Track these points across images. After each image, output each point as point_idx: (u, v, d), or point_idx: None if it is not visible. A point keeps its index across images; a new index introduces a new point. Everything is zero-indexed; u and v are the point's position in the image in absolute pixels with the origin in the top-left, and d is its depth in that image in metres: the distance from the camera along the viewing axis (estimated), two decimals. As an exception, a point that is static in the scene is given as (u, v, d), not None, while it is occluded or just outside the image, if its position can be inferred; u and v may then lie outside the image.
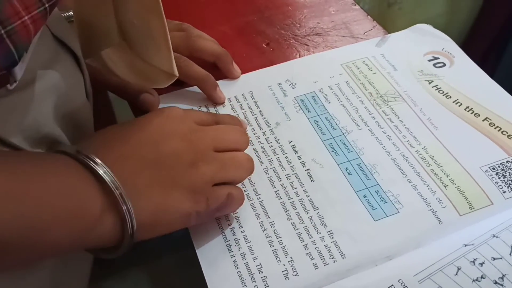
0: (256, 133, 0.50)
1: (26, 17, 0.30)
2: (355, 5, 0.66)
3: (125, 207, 0.34)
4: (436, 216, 0.42)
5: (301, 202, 0.44)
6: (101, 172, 0.34)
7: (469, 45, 1.19)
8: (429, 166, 0.46)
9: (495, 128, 0.49)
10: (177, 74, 0.43)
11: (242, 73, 0.56)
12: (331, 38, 0.61)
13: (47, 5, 0.31)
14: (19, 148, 0.35)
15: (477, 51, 1.19)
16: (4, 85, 0.33)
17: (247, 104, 0.53)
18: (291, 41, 0.61)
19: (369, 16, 0.64)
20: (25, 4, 0.29)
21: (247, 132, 0.50)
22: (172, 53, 0.42)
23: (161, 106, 0.52)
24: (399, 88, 0.54)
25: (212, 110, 0.52)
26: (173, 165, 0.38)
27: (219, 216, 0.43)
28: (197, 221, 0.40)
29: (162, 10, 0.39)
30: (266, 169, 0.47)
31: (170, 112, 0.41)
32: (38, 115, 0.37)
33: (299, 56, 0.59)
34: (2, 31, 0.28)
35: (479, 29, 1.19)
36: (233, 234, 0.42)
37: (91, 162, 0.34)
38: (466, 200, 0.43)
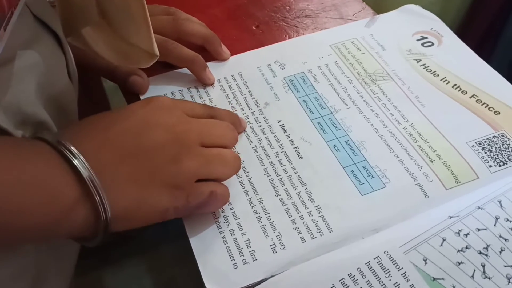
0: (245, 113, 0.50)
1: None
2: (345, -13, 0.66)
3: (98, 199, 0.33)
4: (423, 190, 0.43)
5: (289, 178, 0.45)
6: (75, 162, 0.33)
7: (464, 32, 1.19)
8: (416, 142, 0.47)
9: (482, 105, 0.49)
10: (157, 53, 0.44)
11: (231, 55, 0.56)
12: (320, 20, 0.61)
13: None
14: (2, 128, 0.35)
15: (472, 38, 1.19)
16: None
17: (237, 84, 0.53)
18: (281, 23, 0.61)
19: (358, -2, 0.64)
20: None
21: (241, 120, 0.49)
22: (152, 33, 0.42)
23: (150, 88, 0.53)
24: (387, 68, 0.54)
25: (202, 91, 0.53)
26: (153, 158, 0.37)
27: (199, 213, 0.42)
28: (175, 216, 0.39)
29: None
30: (255, 147, 0.47)
31: (157, 102, 0.40)
32: (19, 93, 0.36)
33: (289, 38, 0.59)
34: None
35: (474, 15, 1.19)
36: (222, 212, 0.43)
37: (67, 152, 0.33)
38: (452, 174, 0.44)
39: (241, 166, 0.46)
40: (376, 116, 0.49)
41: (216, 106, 0.51)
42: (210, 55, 0.55)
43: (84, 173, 0.33)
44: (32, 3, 0.40)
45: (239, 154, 0.46)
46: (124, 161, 0.36)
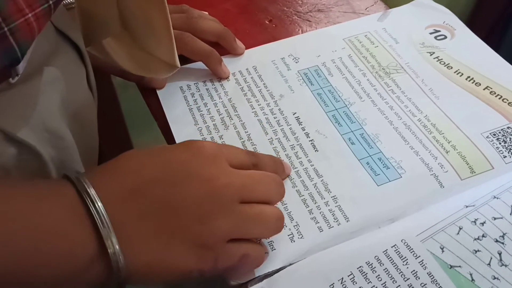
0: (260, 105, 0.51)
1: (29, 15, 0.29)
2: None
3: (114, 259, 0.31)
4: (438, 181, 0.43)
5: (306, 170, 0.45)
6: (96, 218, 0.31)
7: (472, 23, 1.19)
8: (431, 134, 0.47)
9: (495, 96, 0.50)
10: (178, 65, 0.44)
11: (245, 49, 0.57)
12: (333, 14, 0.62)
13: (51, 2, 0.31)
14: (26, 143, 0.35)
15: (481, 29, 1.19)
16: (6, 79, 0.33)
17: (251, 78, 0.54)
18: (294, 18, 0.61)
19: (370, -8, 0.64)
20: (28, 1, 0.29)
21: (282, 162, 0.45)
22: (174, 44, 0.43)
23: (167, 85, 0.53)
24: (400, 60, 0.54)
25: (218, 84, 0.53)
26: (184, 213, 0.33)
27: (228, 277, 0.38)
28: (200, 277, 0.35)
29: (166, 2, 0.40)
30: (271, 139, 0.48)
31: (201, 149, 0.36)
32: (42, 108, 0.36)
33: (302, 32, 0.59)
34: (5, 29, 0.28)
35: (483, 6, 1.19)
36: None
37: (90, 204, 0.31)
38: (467, 164, 0.44)
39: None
40: (391, 109, 0.50)
41: (231, 99, 0.51)
42: (224, 50, 0.56)
43: (103, 231, 0.31)
44: (54, 15, 0.40)
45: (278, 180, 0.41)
46: (151, 214, 0.33)
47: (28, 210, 0.30)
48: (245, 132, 0.49)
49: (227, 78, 0.54)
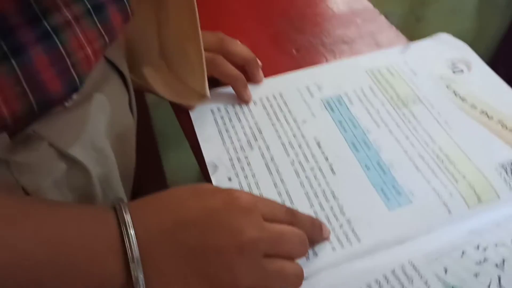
0: (284, 129, 0.55)
1: (88, 50, 0.34)
2: (381, 15, 0.70)
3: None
4: (447, 208, 0.46)
5: (323, 192, 0.49)
6: (128, 246, 0.34)
7: (496, 61, 1.21)
8: (443, 163, 0.50)
9: (507, 130, 0.52)
10: (208, 95, 0.48)
11: (272, 75, 0.61)
12: (357, 46, 0.65)
13: (106, 39, 0.35)
14: (76, 160, 0.39)
15: (504, 67, 1.21)
16: (62, 103, 0.38)
17: (277, 103, 0.58)
18: (319, 48, 0.65)
19: (393, 27, 0.68)
20: (88, 38, 0.34)
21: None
22: (206, 76, 0.47)
23: (199, 107, 0.57)
24: (418, 92, 0.58)
25: (246, 108, 0.57)
26: (212, 260, 0.36)
27: None
28: None
29: (200, 37, 0.45)
30: (293, 161, 0.52)
31: (238, 200, 0.38)
32: (91, 129, 0.41)
33: (326, 62, 0.63)
34: (68, 63, 0.33)
35: (507, 45, 1.21)
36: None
37: (125, 233, 0.34)
38: (475, 194, 0.47)
39: (279, 178, 0.50)
40: (406, 138, 0.53)
41: (257, 123, 0.56)
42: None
43: (132, 266, 0.34)
44: None
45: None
46: (181, 255, 0.35)
47: (71, 235, 0.33)
48: (269, 154, 0.53)
49: (249, 102, 0.58)
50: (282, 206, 0.43)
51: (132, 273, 0.34)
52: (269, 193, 0.49)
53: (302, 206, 0.48)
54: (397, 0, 1.43)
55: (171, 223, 0.36)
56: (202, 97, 0.48)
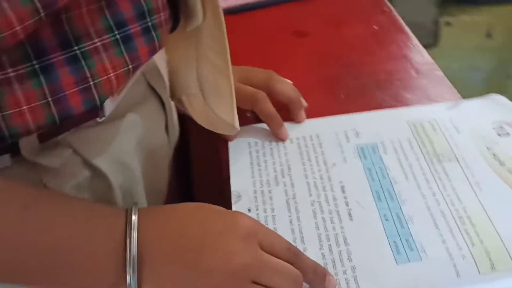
0: (312, 169, 0.56)
1: (111, 74, 0.38)
2: (438, 71, 0.70)
3: None
4: (456, 270, 0.45)
5: (335, 236, 0.49)
6: (128, 250, 0.37)
7: None
8: (463, 225, 0.49)
9: (540, 201, 0.50)
10: (238, 127, 0.52)
11: (316, 117, 0.63)
12: (407, 97, 0.65)
13: (130, 67, 0.40)
14: (98, 169, 0.43)
15: None
16: (94, 118, 0.43)
17: (312, 144, 0.59)
18: (368, 95, 0.66)
19: (449, 82, 0.67)
20: (113, 64, 0.38)
21: None
22: (235, 108, 0.51)
23: (238, 138, 0.60)
24: (456, 150, 0.57)
25: (281, 145, 0.59)
26: (202, 276, 0.38)
27: None
28: None
29: (231, 73, 0.49)
30: (313, 201, 0.53)
31: (237, 224, 0.41)
32: (118, 145, 0.46)
33: (372, 110, 0.64)
34: (91, 83, 0.37)
35: None
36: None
37: (128, 237, 0.37)
38: (489, 260, 0.45)
39: (296, 216, 0.52)
40: (433, 195, 0.52)
41: (288, 160, 0.57)
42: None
43: (129, 269, 0.37)
44: (147, 72, 0.50)
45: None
46: (174, 268, 0.38)
47: (76, 227, 0.37)
48: (292, 191, 0.54)
49: (284, 141, 0.59)
50: (285, 242, 0.44)
51: (127, 273, 0.37)
52: (284, 229, 0.50)
53: (312, 246, 0.49)
54: (487, 56, 1.39)
55: (173, 235, 0.39)
56: (233, 128, 0.51)
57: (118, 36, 0.38)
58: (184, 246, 0.39)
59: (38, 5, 0.32)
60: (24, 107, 0.35)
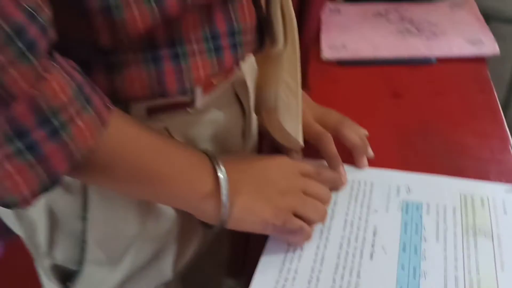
0: (355, 209, 0.63)
1: (201, 72, 0.49)
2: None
3: (224, 198, 0.51)
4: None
5: (351, 268, 0.55)
6: (219, 172, 0.51)
7: None
8: (470, 292, 0.52)
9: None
10: (301, 143, 0.60)
11: (378, 167, 0.69)
12: (472, 170, 0.69)
13: (217, 70, 0.51)
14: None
15: None
16: (185, 107, 0.54)
17: (364, 189, 0.66)
18: (436, 159, 0.70)
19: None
20: (204, 64, 0.49)
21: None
22: (301, 126, 0.59)
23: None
24: (495, 229, 0.59)
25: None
26: (271, 186, 0.55)
27: (288, 241, 0.58)
28: (272, 232, 0.56)
29: (300, 93, 0.57)
30: (344, 236, 0.59)
31: (286, 160, 0.60)
32: (197, 133, 0.57)
33: (431, 173, 0.68)
34: (184, 74, 0.48)
35: None
36: (290, 263, 0.56)
37: (216, 164, 0.52)
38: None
39: (325, 243, 0.58)
40: (455, 260, 0.56)
41: (337, 196, 0.64)
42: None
43: (221, 179, 0.51)
44: (235, 82, 0.61)
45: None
46: (251, 182, 0.54)
47: (176, 154, 0.51)
48: (329, 222, 0.61)
49: (342, 184, 0.66)
50: (311, 167, 0.62)
51: (221, 185, 0.51)
52: (309, 248, 0.57)
53: (328, 270, 0.55)
54: None
55: (246, 165, 0.56)
56: (298, 144, 0.61)
57: (211, 46, 0.49)
58: (257, 171, 0.56)
59: (156, 10, 0.43)
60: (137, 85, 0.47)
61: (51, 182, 0.39)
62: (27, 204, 0.38)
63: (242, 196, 0.53)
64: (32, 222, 0.55)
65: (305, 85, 0.86)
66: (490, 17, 1.10)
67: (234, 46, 0.51)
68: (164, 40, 0.47)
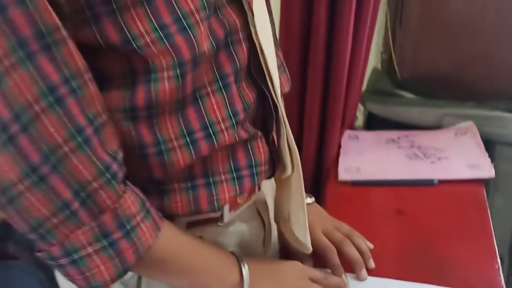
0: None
1: (227, 196, 0.66)
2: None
3: None
4: None
5: None
6: (243, 269, 0.66)
7: None
8: None
9: None
10: (310, 247, 0.75)
11: (377, 276, 0.81)
12: (461, 282, 0.80)
13: (238, 191, 0.68)
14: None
15: None
16: (215, 222, 0.69)
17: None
18: (429, 272, 0.82)
19: None
20: (229, 190, 0.66)
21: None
22: (308, 235, 0.74)
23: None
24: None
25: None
26: (284, 285, 0.69)
27: None
28: None
29: (305, 208, 0.73)
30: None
31: (298, 265, 0.74)
32: (226, 241, 0.72)
33: (425, 283, 0.80)
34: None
35: None
36: None
37: (242, 263, 0.66)
38: None
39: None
40: None
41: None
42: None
43: (245, 275, 0.65)
44: (257, 201, 0.77)
45: None
46: (268, 280, 0.68)
47: (213, 263, 0.66)
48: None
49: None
50: (320, 275, 0.76)
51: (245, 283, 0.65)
52: None
53: None
54: None
55: (266, 273, 0.70)
56: (307, 249, 0.75)
57: (235, 176, 0.65)
58: (271, 277, 0.70)
59: (193, 153, 0.60)
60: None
61: (124, 271, 0.55)
62: (107, 287, 0.55)
63: None
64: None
65: (323, 202, 1.02)
66: (494, 142, 1.24)
67: (252, 175, 0.68)
68: (200, 173, 0.64)
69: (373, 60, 1.49)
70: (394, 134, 1.25)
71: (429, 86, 1.38)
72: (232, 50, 0.61)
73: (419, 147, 1.17)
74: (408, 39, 1.48)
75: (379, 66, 1.52)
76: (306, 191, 0.76)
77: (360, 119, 1.38)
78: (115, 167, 0.54)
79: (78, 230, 0.52)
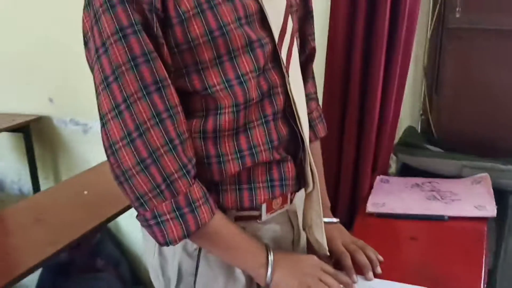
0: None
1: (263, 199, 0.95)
2: None
3: (269, 269, 0.90)
4: None
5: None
6: (270, 255, 0.91)
7: None
8: None
9: None
10: (327, 253, 1.00)
11: (387, 279, 1.04)
12: None
13: (271, 196, 0.96)
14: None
15: None
16: (255, 219, 0.97)
17: (369, 291, 1.01)
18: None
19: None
20: (264, 196, 0.95)
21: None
22: (325, 239, 1.00)
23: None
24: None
25: (352, 285, 1.03)
26: (299, 270, 0.92)
27: None
28: None
29: (322, 215, 0.99)
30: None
31: (314, 258, 0.97)
32: (261, 236, 0.97)
33: None
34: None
35: None
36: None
37: (269, 251, 0.91)
38: None
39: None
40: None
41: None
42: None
43: (270, 261, 0.91)
44: (289, 209, 1.04)
45: None
46: (288, 265, 0.92)
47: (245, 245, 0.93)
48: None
49: (354, 281, 1.02)
50: (331, 270, 0.97)
51: (269, 262, 0.90)
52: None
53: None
54: None
55: (287, 262, 0.94)
56: (325, 250, 1.00)
57: (269, 185, 0.93)
58: (291, 268, 0.93)
59: (240, 164, 0.90)
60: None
61: (187, 234, 0.84)
62: (175, 243, 0.83)
63: (282, 270, 0.91)
64: (169, 277, 0.99)
65: (351, 227, 1.27)
66: (508, 192, 1.45)
67: (281, 186, 0.95)
68: (245, 179, 0.92)
69: (411, 120, 1.74)
70: (419, 180, 1.48)
71: (457, 143, 1.61)
72: (273, 98, 0.91)
73: (438, 191, 1.40)
74: (443, 104, 1.72)
75: (418, 125, 1.77)
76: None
77: (393, 167, 1.63)
78: (189, 166, 0.84)
79: (163, 203, 0.82)
